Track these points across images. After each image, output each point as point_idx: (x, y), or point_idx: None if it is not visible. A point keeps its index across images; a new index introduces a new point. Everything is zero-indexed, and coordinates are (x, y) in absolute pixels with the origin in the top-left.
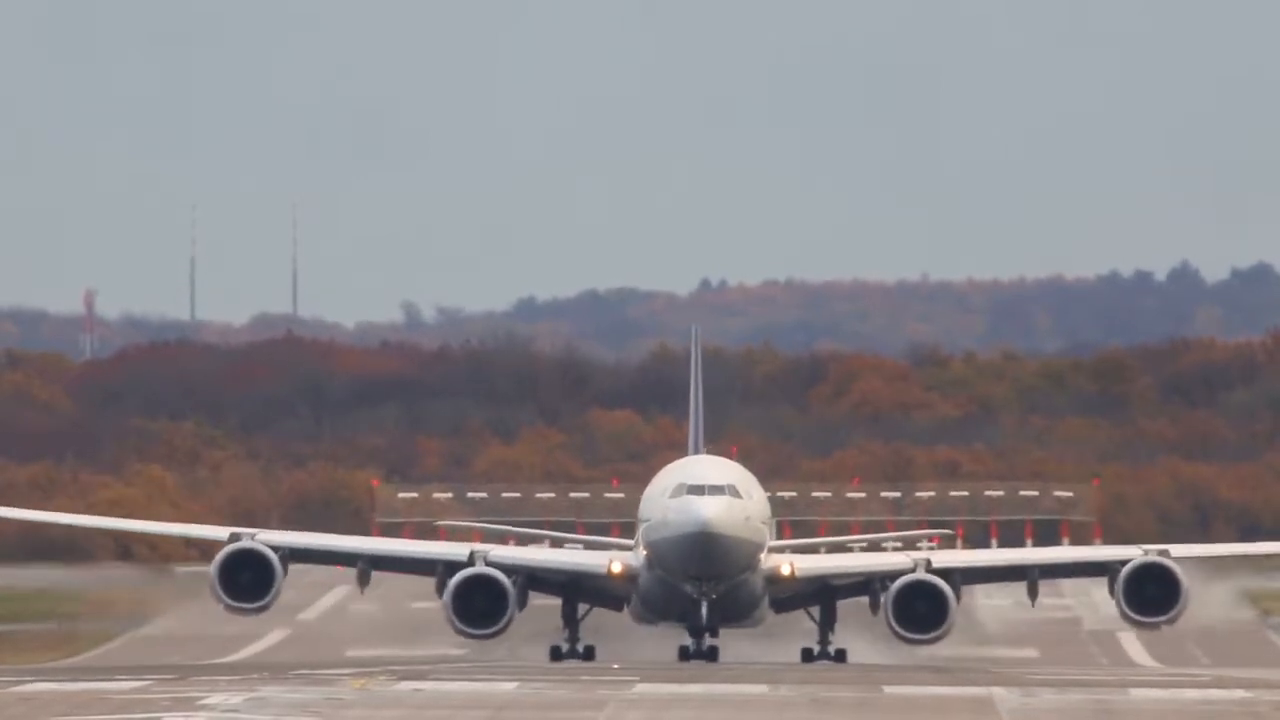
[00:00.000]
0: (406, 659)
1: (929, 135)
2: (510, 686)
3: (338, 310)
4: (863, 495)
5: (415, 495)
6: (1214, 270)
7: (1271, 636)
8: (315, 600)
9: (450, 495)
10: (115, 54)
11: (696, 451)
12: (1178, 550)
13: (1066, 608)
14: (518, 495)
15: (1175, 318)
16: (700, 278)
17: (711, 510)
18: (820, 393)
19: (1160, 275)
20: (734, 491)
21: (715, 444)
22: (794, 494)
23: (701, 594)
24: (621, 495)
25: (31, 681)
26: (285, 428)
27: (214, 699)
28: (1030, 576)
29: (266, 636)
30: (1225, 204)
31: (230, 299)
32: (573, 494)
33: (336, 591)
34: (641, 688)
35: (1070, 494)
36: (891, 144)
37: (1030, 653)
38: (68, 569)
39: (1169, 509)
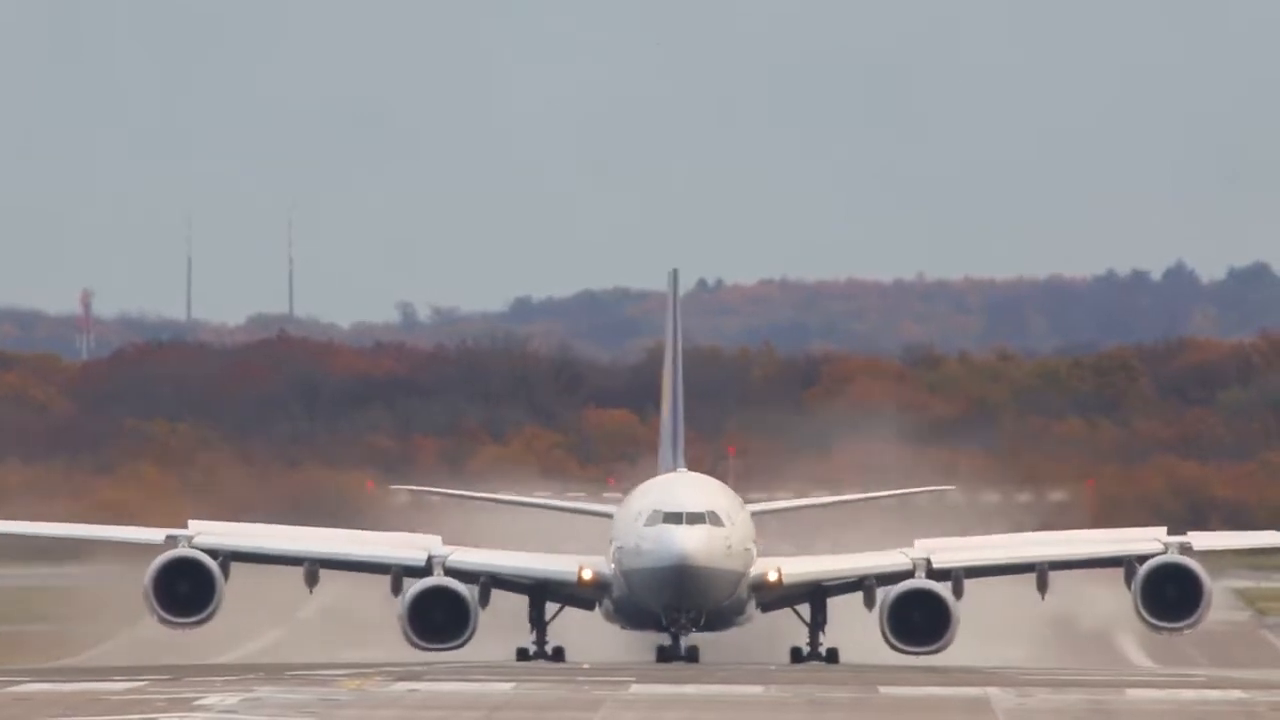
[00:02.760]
0: (402, 659)
1: (927, 135)
2: (506, 687)
3: (334, 311)
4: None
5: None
6: (1210, 270)
7: (1268, 637)
8: (311, 599)
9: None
10: (115, 54)
11: (675, 420)
12: (1199, 541)
13: (1064, 605)
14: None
15: (1171, 318)
16: (696, 277)
17: (690, 543)
18: (816, 393)
19: (1156, 275)
20: (714, 519)
21: (713, 444)
22: (791, 495)
23: (680, 627)
24: (619, 494)
25: (27, 682)
26: (280, 428)
27: (210, 699)
28: (1039, 569)
29: (262, 636)
30: (1222, 204)
31: (226, 299)
32: (568, 493)
33: (333, 590)
34: (637, 688)
35: (1065, 496)
36: (889, 144)
37: (1027, 652)
38: (62, 567)
39: (1163, 508)
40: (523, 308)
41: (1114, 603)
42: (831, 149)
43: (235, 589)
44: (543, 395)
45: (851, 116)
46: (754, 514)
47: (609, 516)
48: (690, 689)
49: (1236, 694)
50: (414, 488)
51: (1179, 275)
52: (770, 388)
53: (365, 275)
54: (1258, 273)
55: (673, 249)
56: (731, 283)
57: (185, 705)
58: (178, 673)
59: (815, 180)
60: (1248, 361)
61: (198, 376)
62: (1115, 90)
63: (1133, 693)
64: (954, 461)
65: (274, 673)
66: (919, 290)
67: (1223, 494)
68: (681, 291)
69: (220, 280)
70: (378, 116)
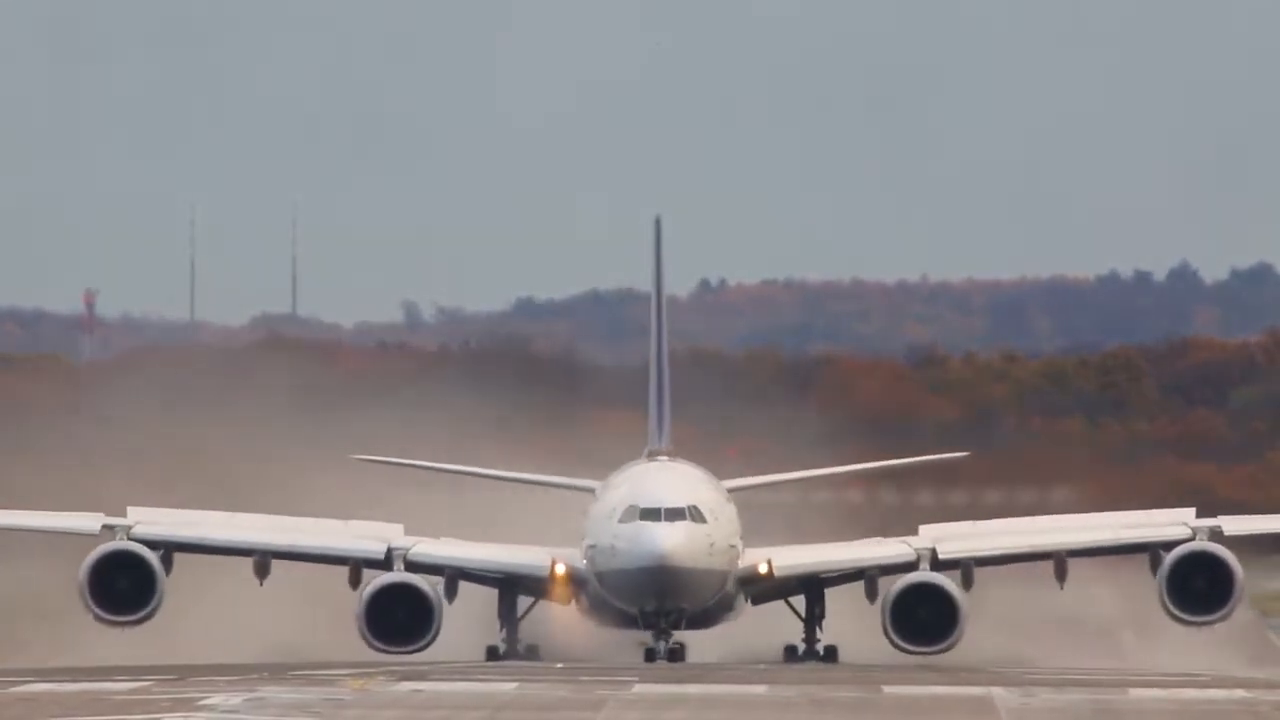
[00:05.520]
0: (406, 659)
1: (929, 135)
2: (510, 687)
3: (338, 310)
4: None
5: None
6: (1213, 270)
7: (1271, 636)
8: (314, 598)
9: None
10: (115, 54)
11: (660, 386)
12: (1230, 525)
13: (1066, 605)
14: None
15: (1174, 318)
16: (699, 277)
17: (669, 542)
18: (819, 394)
19: (1159, 275)
20: (695, 514)
21: (715, 446)
22: (793, 497)
23: (660, 631)
24: None
25: (31, 682)
26: (283, 429)
27: (214, 699)
28: (1056, 557)
29: (265, 635)
30: (1224, 204)
31: (230, 300)
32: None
33: (336, 590)
34: (640, 688)
35: (1069, 496)
36: (891, 143)
37: (1029, 651)
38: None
39: (1168, 508)
40: (527, 307)
41: (1118, 598)
42: (833, 149)
43: (231, 582)
44: (547, 396)
45: (852, 116)
46: (733, 490)
47: (590, 491)
48: (693, 689)
49: (1240, 693)
50: (374, 458)
51: (1182, 275)
52: (773, 390)
53: (369, 275)
54: (1261, 273)
55: (676, 248)
56: (734, 283)
57: (189, 705)
58: (181, 672)
59: (819, 181)
60: (1252, 361)
61: (201, 377)
62: (1118, 90)
63: (1136, 692)
64: (957, 463)
65: (277, 672)
66: (922, 292)
67: (1227, 494)
68: (684, 293)
69: (224, 281)
70: (381, 115)
